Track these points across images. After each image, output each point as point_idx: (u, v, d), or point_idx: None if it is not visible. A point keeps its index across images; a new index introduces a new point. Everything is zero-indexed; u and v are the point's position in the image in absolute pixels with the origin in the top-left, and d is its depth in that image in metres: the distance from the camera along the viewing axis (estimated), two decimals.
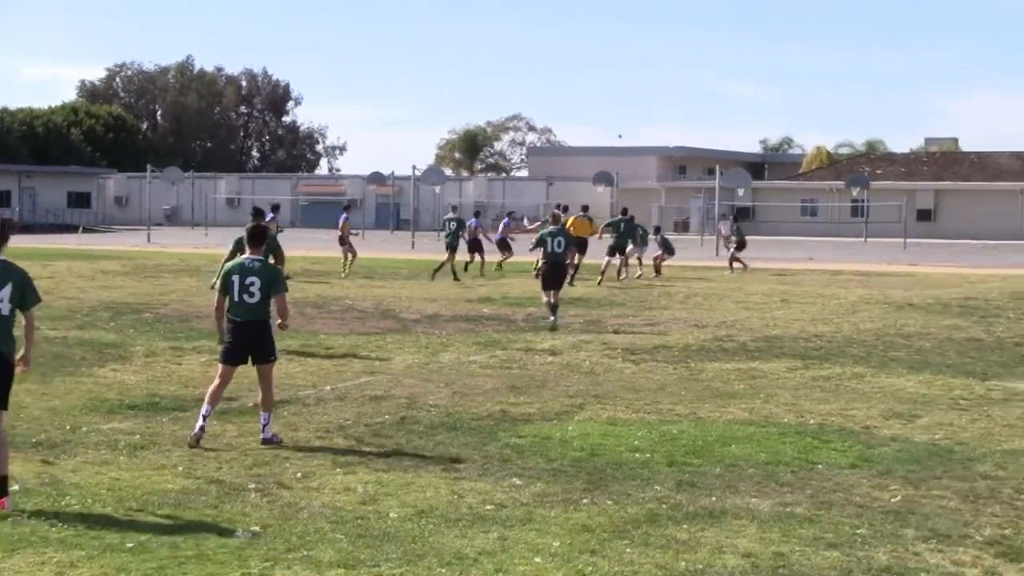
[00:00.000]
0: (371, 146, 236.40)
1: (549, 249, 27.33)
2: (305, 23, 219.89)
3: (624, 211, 45.91)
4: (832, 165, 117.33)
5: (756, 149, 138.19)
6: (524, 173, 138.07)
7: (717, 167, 79.46)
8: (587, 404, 16.60)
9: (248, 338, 13.91)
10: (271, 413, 14.04)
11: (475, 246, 45.04)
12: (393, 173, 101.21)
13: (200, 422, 13.74)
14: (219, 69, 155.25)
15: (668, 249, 46.68)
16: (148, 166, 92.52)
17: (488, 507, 11.05)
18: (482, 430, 14.67)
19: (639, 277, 43.05)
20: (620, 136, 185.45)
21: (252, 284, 13.80)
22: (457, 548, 9.79)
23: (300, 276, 40.79)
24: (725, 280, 42.98)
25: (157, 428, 14.62)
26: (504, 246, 47.30)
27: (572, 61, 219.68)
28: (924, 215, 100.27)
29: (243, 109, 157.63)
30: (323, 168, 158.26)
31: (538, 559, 9.54)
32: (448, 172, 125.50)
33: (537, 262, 30.86)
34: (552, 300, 26.79)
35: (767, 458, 13.28)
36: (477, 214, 50.45)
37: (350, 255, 44.34)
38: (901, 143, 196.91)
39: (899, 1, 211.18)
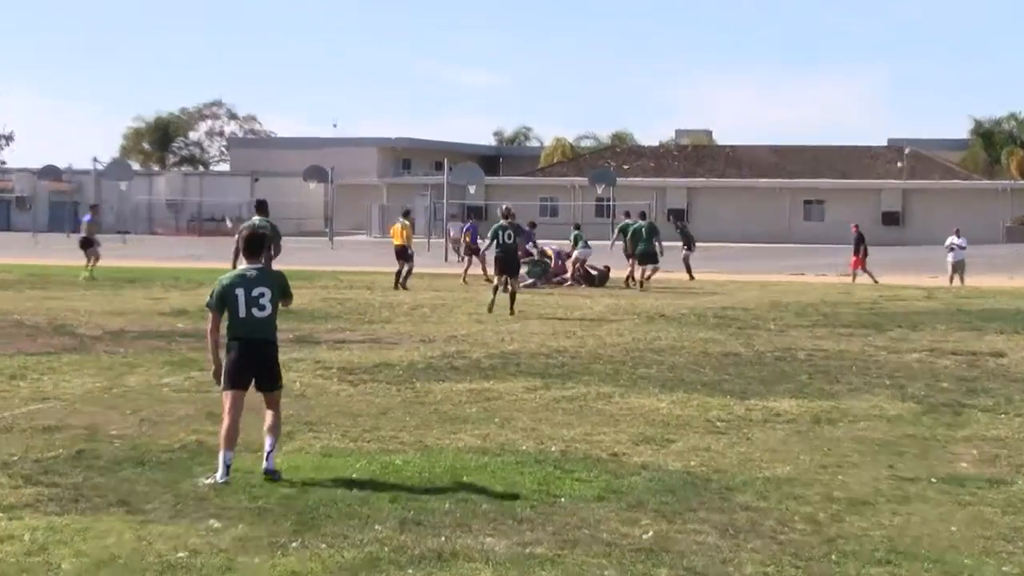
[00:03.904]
0: (43, 136, 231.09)
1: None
2: None
3: (642, 215, 50.18)
4: (575, 159, 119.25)
5: (490, 141, 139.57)
6: (225, 167, 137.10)
7: (446, 161, 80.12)
8: (297, 432, 16.43)
9: (261, 359, 13.90)
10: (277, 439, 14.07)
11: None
12: (71, 167, 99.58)
13: (223, 473, 13.54)
14: None
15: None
16: None
17: (181, 554, 10.83)
18: (175, 464, 14.41)
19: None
20: (335, 126, 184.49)
21: (262, 296, 13.79)
22: None
23: None
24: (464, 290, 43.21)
25: None
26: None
27: (279, 42, 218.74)
28: (676, 215, 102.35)
29: None
30: None
31: None
32: (136, 166, 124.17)
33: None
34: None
35: (503, 491, 13.31)
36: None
37: (93, 258, 47.70)
38: (650, 135, 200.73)
39: None
